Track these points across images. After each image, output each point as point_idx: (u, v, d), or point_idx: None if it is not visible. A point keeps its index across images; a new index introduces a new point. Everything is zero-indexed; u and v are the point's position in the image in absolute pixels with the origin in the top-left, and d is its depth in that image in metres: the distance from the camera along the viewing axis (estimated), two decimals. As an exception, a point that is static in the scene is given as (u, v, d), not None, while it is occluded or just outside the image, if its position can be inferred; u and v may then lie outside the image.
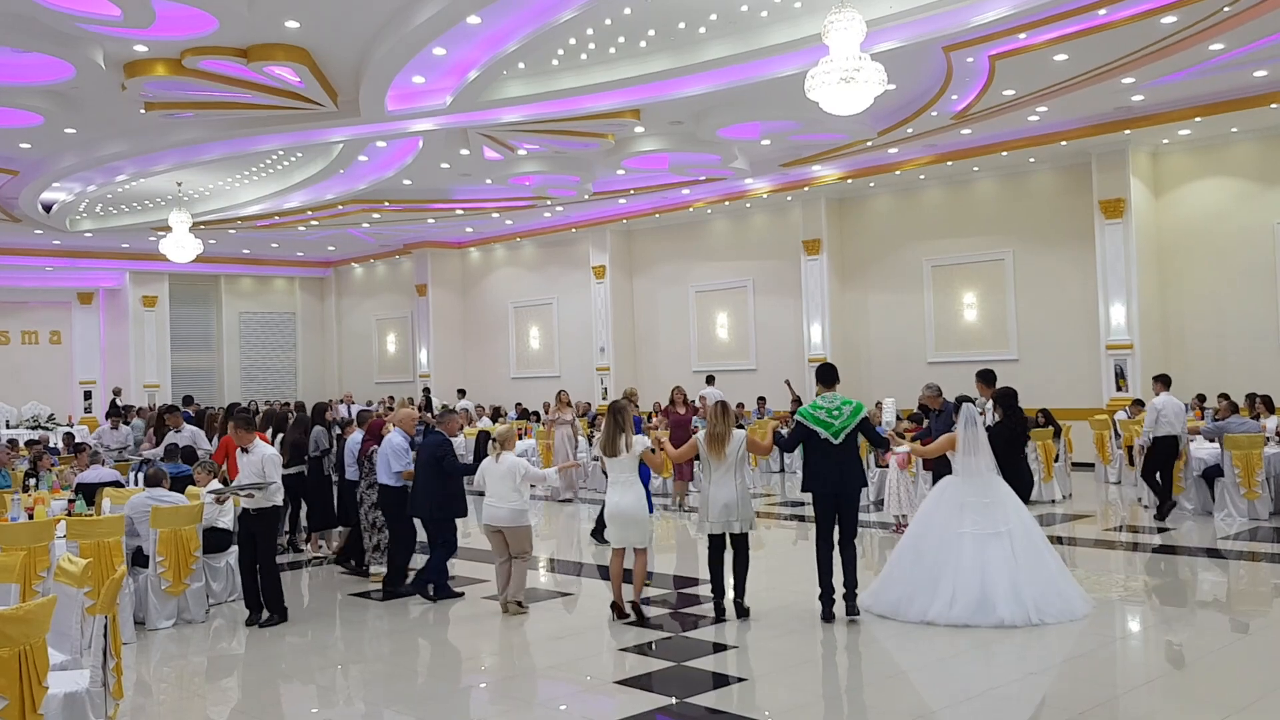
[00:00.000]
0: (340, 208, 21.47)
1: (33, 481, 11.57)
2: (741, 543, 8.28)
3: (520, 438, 19.51)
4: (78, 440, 16.51)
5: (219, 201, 21.01)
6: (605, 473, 8.62)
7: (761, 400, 21.47)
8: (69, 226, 22.14)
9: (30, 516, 9.03)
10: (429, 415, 10.82)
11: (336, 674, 7.54)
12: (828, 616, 8.05)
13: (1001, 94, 14.68)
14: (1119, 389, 17.63)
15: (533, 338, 27.72)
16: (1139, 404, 16.24)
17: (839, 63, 10.06)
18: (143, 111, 13.84)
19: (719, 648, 7.59)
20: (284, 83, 12.85)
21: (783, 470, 19.41)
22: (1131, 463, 15.02)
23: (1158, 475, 12.84)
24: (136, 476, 11.80)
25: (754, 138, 16.77)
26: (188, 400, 19.82)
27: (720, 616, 8.23)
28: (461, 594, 9.58)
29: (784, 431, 8.36)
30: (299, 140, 16.03)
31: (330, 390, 30.46)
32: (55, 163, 16.71)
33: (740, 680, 6.86)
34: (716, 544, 8.31)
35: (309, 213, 21.96)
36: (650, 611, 8.54)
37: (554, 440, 17.29)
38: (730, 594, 8.40)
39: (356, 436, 11.01)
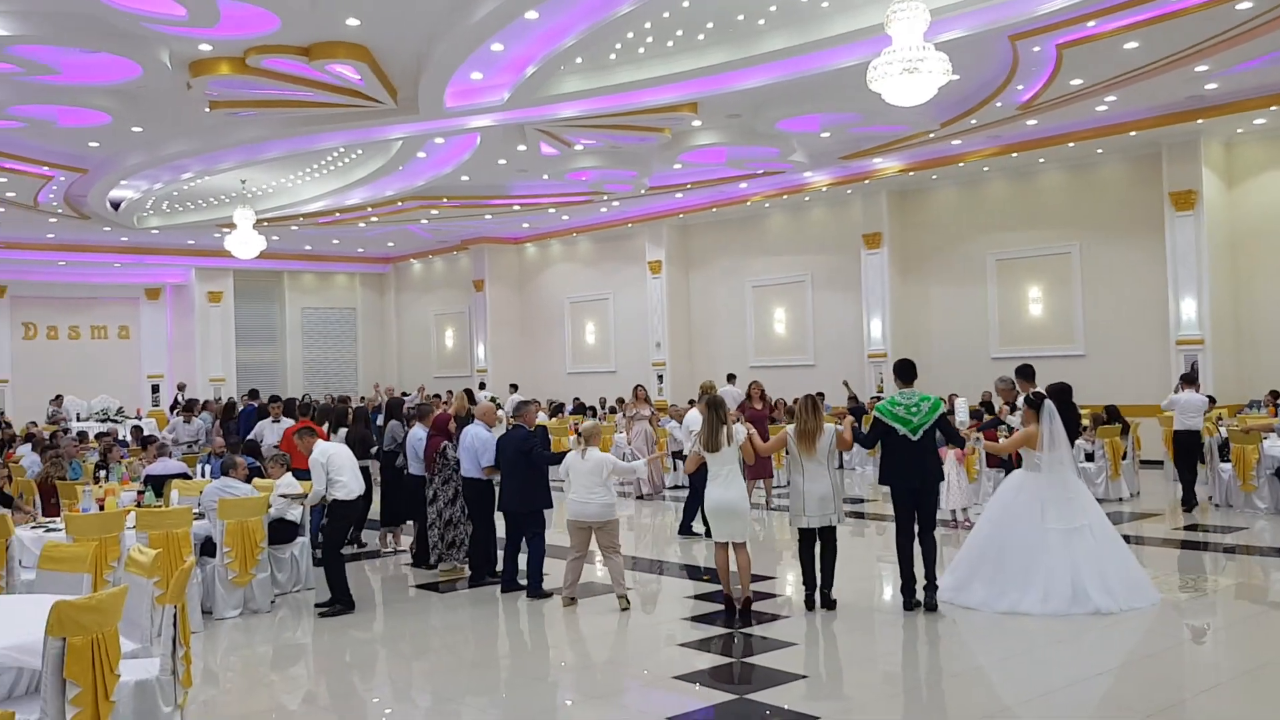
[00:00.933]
0: (399, 204, 21.66)
1: (103, 473, 11.80)
2: (830, 536, 8.35)
3: (576, 432, 19.50)
4: (146, 433, 16.84)
5: (281, 198, 21.30)
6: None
7: (820, 396, 21.23)
8: (136, 224, 22.58)
9: (101, 508, 9.20)
10: (473, 408, 10.75)
11: (402, 664, 7.59)
12: (910, 606, 8.19)
13: (1069, 84, 14.37)
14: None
15: (589, 333, 27.76)
16: (1211, 401, 15.86)
17: (902, 53, 9.91)
18: (207, 110, 14.04)
19: (808, 641, 7.52)
20: (345, 80, 12.96)
21: (841, 467, 19.21)
22: (1202, 461, 14.66)
23: (1184, 468, 13.46)
24: (203, 469, 11.97)
25: (813, 130, 16.61)
26: (253, 394, 20.05)
27: (810, 608, 8.31)
28: (552, 594, 9.18)
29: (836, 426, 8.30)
30: (359, 137, 16.17)
31: (391, 385, 30.76)
32: (123, 161, 17.04)
33: (813, 675, 6.79)
34: (808, 538, 8.35)
35: (369, 209, 22.17)
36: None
37: (632, 436, 17.06)
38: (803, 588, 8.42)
39: (417, 431, 10.89)
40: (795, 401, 10.07)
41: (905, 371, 8.58)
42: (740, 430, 8.40)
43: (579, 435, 8.90)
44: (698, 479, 11.13)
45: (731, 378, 20.62)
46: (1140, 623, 7.79)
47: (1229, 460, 13.30)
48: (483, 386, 25.87)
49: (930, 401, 8.29)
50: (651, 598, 9.34)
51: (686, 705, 6.20)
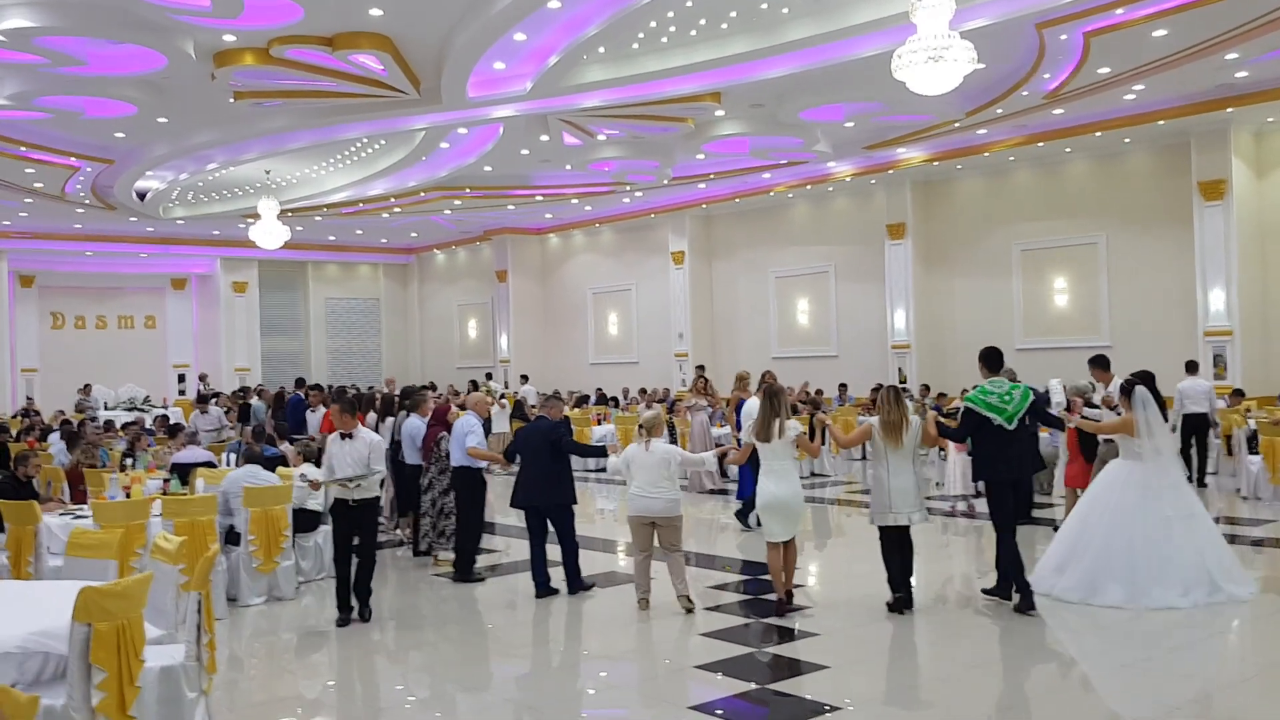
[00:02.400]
0: (422, 194, 21.71)
1: (130, 461, 11.89)
2: (906, 533, 7.94)
3: (598, 423, 19.55)
4: (173, 422, 16.96)
5: (305, 189, 21.39)
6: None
7: (843, 387, 21.20)
8: (162, 214, 22.74)
9: (127, 495, 9.28)
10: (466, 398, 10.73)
11: (425, 652, 7.62)
12: (1025, 607, 7.74)
13: (1096, 72, 14.23)
14: (1217, 377, 17.03)
15: (611, 324, 27.76)
16: (1239, 394, 15.71)
17: (927, 41, 9.82)
18: (232, 101, 14.11)
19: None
20: (368, 71, 12.99)
21: (864, 458, 19.10)
22: (1230, 453, 14.54)
23: (1191, 450, 14.13)
24: (229, 458, 12.05)
25: (837, 120, 16.52)
26: (300, 382, 20.02)
27: (898, 610, 7.85)
28: (593, 584, 9.03)
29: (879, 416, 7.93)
30: (382, 128, 16.21)
31: (414, 375, 30.89)
32: (148, 151, 17.15)
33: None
34: (891, 536, 7.92)
35: (392, 199, 22.24)
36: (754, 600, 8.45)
37: (691, 428, 16.77)
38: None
39: (414, 421, 10.75)
40: (874, 392, 9.80)
41: (992, 360, 8.28)
42: (794, 425, 8.06)
43: (640, 428, 8.35)
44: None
45: (700, 369, 20.72)
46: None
47: (1258, 453, 13.16)
48: (489, 377, 25.92)
49: (1020, 389, 8.05)
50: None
51: (710, 694, 6.19)
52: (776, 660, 6.90)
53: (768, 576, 9.32)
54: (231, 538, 9.11)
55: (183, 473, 10.33)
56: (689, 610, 8.04)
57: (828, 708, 5.89)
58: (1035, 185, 19.94)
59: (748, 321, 24.77)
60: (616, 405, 22.76)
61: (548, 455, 8.83)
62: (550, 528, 8.97)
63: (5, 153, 16.84)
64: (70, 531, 7.20)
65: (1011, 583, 7.92)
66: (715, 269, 25.57)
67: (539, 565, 8.95)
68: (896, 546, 7.94)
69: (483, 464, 9.71)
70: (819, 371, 21.75)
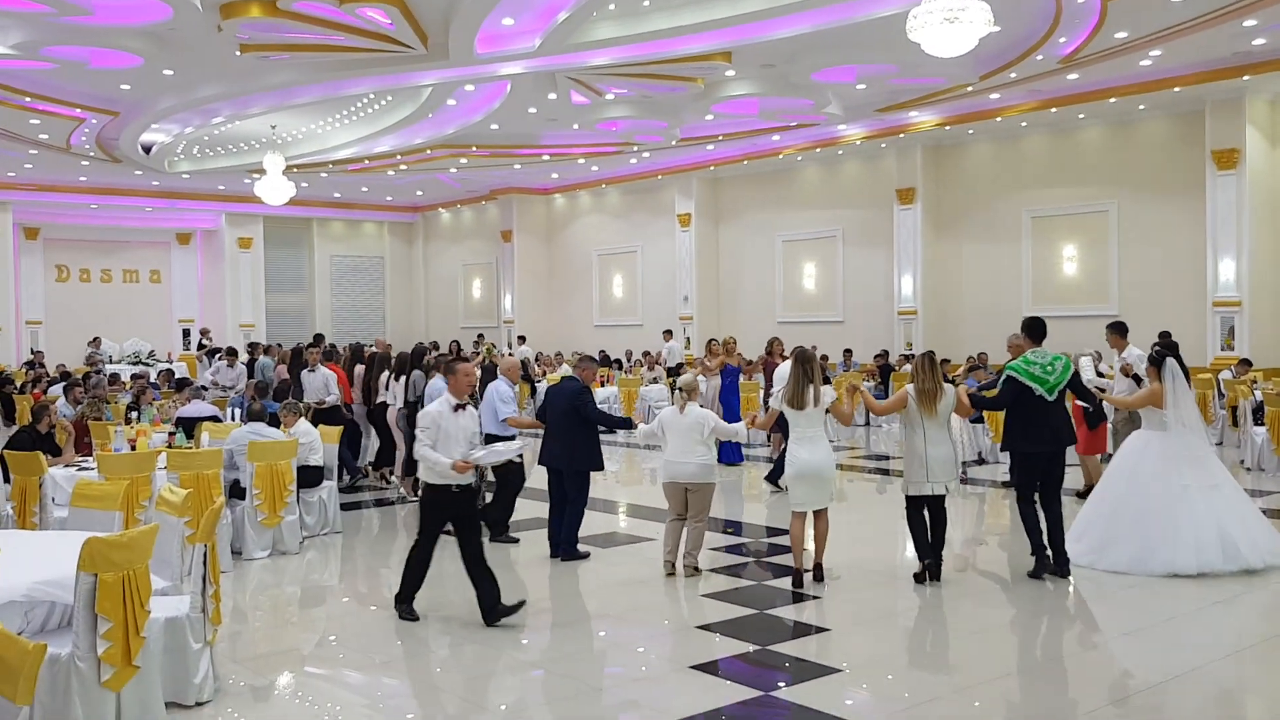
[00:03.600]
0: (429, 152, 21.59)
1: (135, 415, 11.91)
2: (940, 502, 7.84)
3: (601, 385, 19.53)
4: (179, 376, 17.00)
5: (311, 145, 21.27)
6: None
7: (848, 353, 21.16)
8: (168, 168, 22.64)
9: (133, 448, 9.29)
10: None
11: (427, 608, 7.64)
12: (1041, 573, 7.81)
13: (1113, 37, 14.06)
14: (1225, 347, 16.98)
15: (616, 286, 27.68)
16: (1246, 363, 15.67)
17: (943, 2, 9.71)
18: (238, 53, 13.97)
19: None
20: (375, 25, 12.85)
21: (868, 424, 19.11)
22: (1236, 424, 14.50)
23: None
24: (234, 412, 12.06)
25: (849, 81, 16.36)
26: (317, 339, 19.88)
27: (921, 581, 7.75)
28: (588, 554, 8.83)
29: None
30: (389, 84, 16.08)
31: (418, 334, 30.87)
32: (154, 104, 17.04)
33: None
34: (918, 505, 7.83)
35: (398, 157, 22.12)
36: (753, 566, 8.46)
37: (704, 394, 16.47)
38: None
39: (438, 383, 10.42)
40: (912, 360, 9.66)
41: (1036, 330, 8.18)
42: (829, 391, 7.92)
43: (678, 390, 8.18)
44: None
45: (669, 333, 20.75)
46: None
47: (1263, 424, 13.12)
48: (523, 341, 25.88)
49: (1063, 361, 7.95)
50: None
51: (710, 654, 6.21)
52: (776, 623, 6.91)
53: (776, 540, 9.39)
54: (237, 492, 9.13)
55: (188, 426, 10.34)
56: (691, 574, 8.01)
57: (828, 669, 5.91)
58: (1047, 151, 19.78)
59: (753, 286, 24.69)
60: (620, 368, 22.74)
61: (573, 419, 8.66)
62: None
63: (10, 103, 16.74)
64: (75, 483, 7.21)
65: (1058, 554, 7.85)
66: (722, 232, 25.45)
67: (554, 527, 8.88)
68: (930, 515, 7.85)
69: (514, 432, 9.29)
70: (824, 337, 21.68)
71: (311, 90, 16.29)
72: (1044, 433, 7.85)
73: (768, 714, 5.33)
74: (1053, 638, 6.86)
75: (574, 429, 8.65)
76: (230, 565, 8.53)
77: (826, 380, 8.29)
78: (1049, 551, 7.82)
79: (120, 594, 4.76)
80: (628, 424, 9.57)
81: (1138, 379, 9.90)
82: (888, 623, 7.09)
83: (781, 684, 5.73)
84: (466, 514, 7.05)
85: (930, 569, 7.76)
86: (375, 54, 14.02)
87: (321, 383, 12.56)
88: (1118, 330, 10.50)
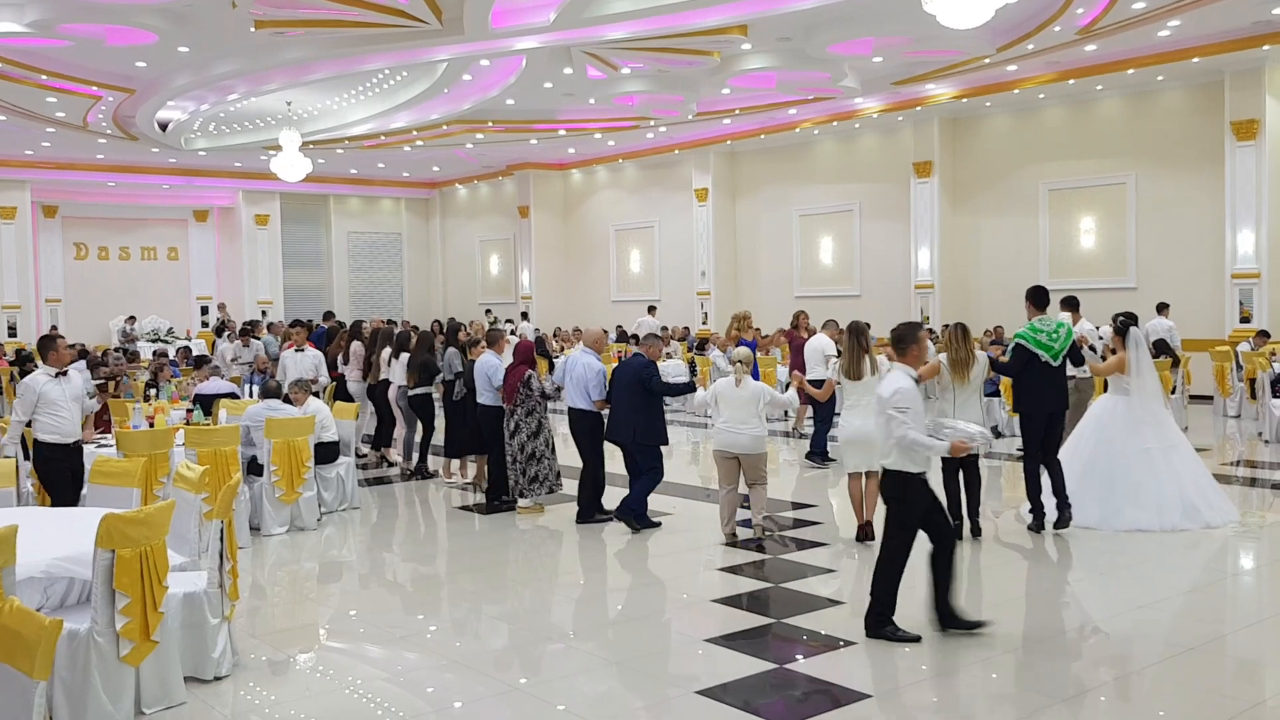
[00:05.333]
0: (445, 127, 21.55)
1: (153, 392, 12.00)
2: (974, 464, 8.31)
3: (619, 360, 19.49)
4: (197, 353, 17.10)
5: (327, 121, 21.27)
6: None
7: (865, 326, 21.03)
8: (184, 145, 22.69)
9: (151, 425, 9.38)
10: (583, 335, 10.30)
11: (446, 582, 7.72)
12: (1039, 527, 8.44)
13: (1131, 7, 13.88)
14: (1243, 320, 16.85)
15: (633, 261, 27.64)
16: (1264, 335, 15.57)
17: (959, -28, 9.61)
18: (253, 30, 13.96)
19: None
20: (390, 0, 12.83)
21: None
22: (1254, 396, 14.42)
23: None
24: (249, 389, 12.13)
25: (865, 54, 16.23)
26: (328, 315, 19.89)
27: (960, 537, 7.91)
28: (659, 523, 9.00)
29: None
30: (405, 59, 16.04)
31: (436, 311, 30.94)
32: (170, 81, 17.06)
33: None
34: (952, 469, 8.28)
35: (414, 132, 22.09)
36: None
37: (714, 367, 16.34)
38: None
39: (487, 358, 10.17)
40: (943, 330, 10.07)
41: (1039, 298, 8.71)
42: (884, 361, 8.26)
43: (738, 363, 8.39)
44: (826, 407, 11.48)
45: (652, 309, 20.63)
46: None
47: (1281, 397, 13.06)
48: (525, 316, 25.93)
49: (1065, 328, 8.54)
50: (695, 522, 9.33)
51: (725, 628, 6.25)
52: (794, 596, 6.94)
53: (784, 514, 9.44)
54: (254, 468, 9.21)
55: (206, 404, 10.42)
56: (767, 535, 8.39)
57: (842, 642, 5.94)
58: (1065, 123, 19.60)
59: (770, 260, 24.61)
60: (636, 342, 22.70)
61: (639, 394, 8.88)
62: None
63: (28, 80, 16.79)
64: (94, 460, 7.30)
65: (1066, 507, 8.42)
66: (739, 206, 25.36)
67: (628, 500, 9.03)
68: (965, 477, 8.28)
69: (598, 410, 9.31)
70: (841, 311, 21.44)
71: (327, 66, 16.27)
72: (1048, 395, 8.47)
73: (783, 686, 5.37)
74: (1048, 586, 6.90)
75: (639, 403, 8.88)
76: (249, 541, 8.62)
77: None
78: (1045, 509, 8.44)
79: (138, 570, 4.82)
80: (690, 388, 9.95)
81: (1092, 349, 10.71)
82: (905, 593, 7.10)
83: (798, 657, 5.77)
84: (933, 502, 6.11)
85: (973, 526, 8.28)
86: (390, 29, 13.98)
87: (311, 364, 12.60)
88: (1071, 305, 10.96)
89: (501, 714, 5.15)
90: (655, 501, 9.39)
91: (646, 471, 8.96)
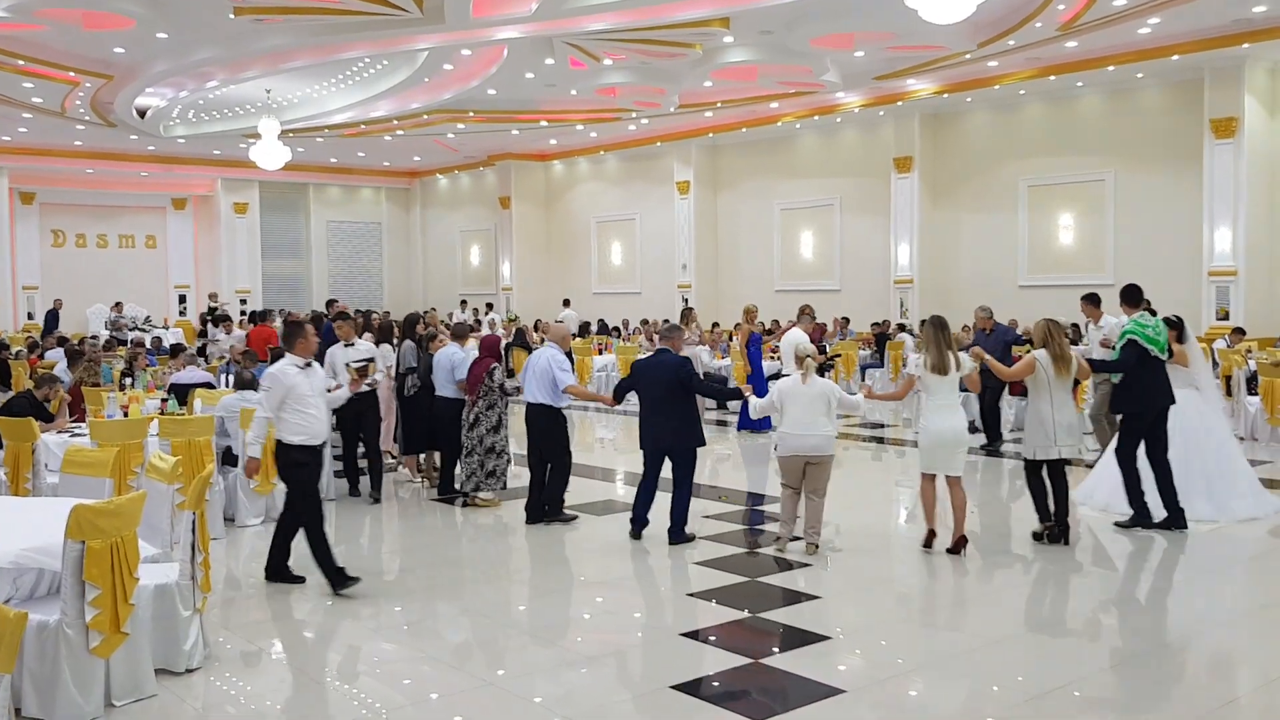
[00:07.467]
0: (425, 117, 21.46)
1: (129, 380, 11.89)
2: (1061, 468, 7.94)
3: (599, 353, 19.52)
4: (173, 342, 16.98)
5: (307, 109, 21.14)
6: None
7: (845, 321, 21.14)
8: (163, 132, 22.51)
9: (125, 414, 9.29)
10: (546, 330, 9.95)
11: (423, 575, 7.68)
12: (1143, 524, 8.36)
13: (1111, 4, 13.95)
14: (1220, 317, 16.98)
15: (614, 253, 27.62)
16: (1240, 332, 15.68)
17: (940, -33, 9.62)
18: (232, 16, 13.85)
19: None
20: (370, -13, 12.75)
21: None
22: (1229, 393, 14.51)
23: None
24: (226, 379, 12.04)
25: (847, 48, 16.24)
26: (330, 304, 19.53)
27: (1043, 541, 7.92)
28: (694, 537, 8.28)
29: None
30: (385, 48, 15.95)
31: (416, 301, 30.83)
32: (148, 67, 16.91)
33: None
34: (1037, 469, 7.95)
35: (395, 122, 21.98)
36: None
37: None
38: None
39: (449, 350, 9.97)
40: (875, 327, 9.79)
41: (1134, 296, 8.85)
42: (966, 358, 7.85)
43: (805, 359, 7.87)
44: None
45: (566, 302, 20.64)
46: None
47: (1256, 394, 13.14)
48: (490, 308, 25.89)
49: (1160, 324, 8.55)
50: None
51: (701, 621, 6.25)
52: (769, 590, 6.95)
53: (762, 509, 9.42)
54: (230, 459, 9.14)
55: (181, 393, 10.33)
56: (813, 549, 7.71)
57: (821, 637, 5.95)
58: (1045, 120, 19.68)
59: (751, 253, 24.64)
60: (618, 335, 22.73)
61: (679, 395, 8.11)
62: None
63: (4, 65, 16.61)
64: (66, 449, 7.22)
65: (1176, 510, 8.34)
66: (720, 200, 25.36)
67: (639, 509, 8.41)
68: (1051, 480, 7.96)
69: (567, 402, 8.93)
70: (821, 305, 21.53)
71: (306, 54, 16.17)
72: (1160, 390, 8.38)
73: (758, 680, 5.37)
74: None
75: (678, 404, 8.11)
76: (223, 533, 8.56)
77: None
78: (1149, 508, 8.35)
79: (108, 561, 4.78)
80: (737, 394, 9.32)
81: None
82: (884, 588, 7.13)
83: (774, 650, 5.77)
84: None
85: (1056, 532, 7.93)
86: (370, 17, 13.90)
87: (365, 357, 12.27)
88: (1092, 301, 10.77)
89: (478, 707, 5.13)
90: (628, 495, 9.38)
91: (683, 481, 8.19)
